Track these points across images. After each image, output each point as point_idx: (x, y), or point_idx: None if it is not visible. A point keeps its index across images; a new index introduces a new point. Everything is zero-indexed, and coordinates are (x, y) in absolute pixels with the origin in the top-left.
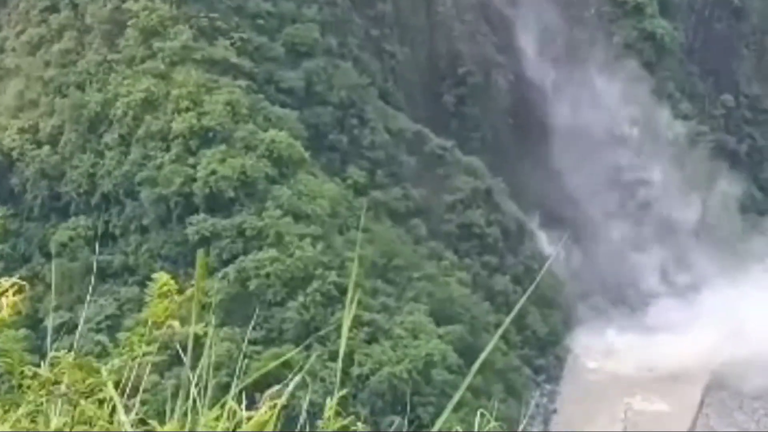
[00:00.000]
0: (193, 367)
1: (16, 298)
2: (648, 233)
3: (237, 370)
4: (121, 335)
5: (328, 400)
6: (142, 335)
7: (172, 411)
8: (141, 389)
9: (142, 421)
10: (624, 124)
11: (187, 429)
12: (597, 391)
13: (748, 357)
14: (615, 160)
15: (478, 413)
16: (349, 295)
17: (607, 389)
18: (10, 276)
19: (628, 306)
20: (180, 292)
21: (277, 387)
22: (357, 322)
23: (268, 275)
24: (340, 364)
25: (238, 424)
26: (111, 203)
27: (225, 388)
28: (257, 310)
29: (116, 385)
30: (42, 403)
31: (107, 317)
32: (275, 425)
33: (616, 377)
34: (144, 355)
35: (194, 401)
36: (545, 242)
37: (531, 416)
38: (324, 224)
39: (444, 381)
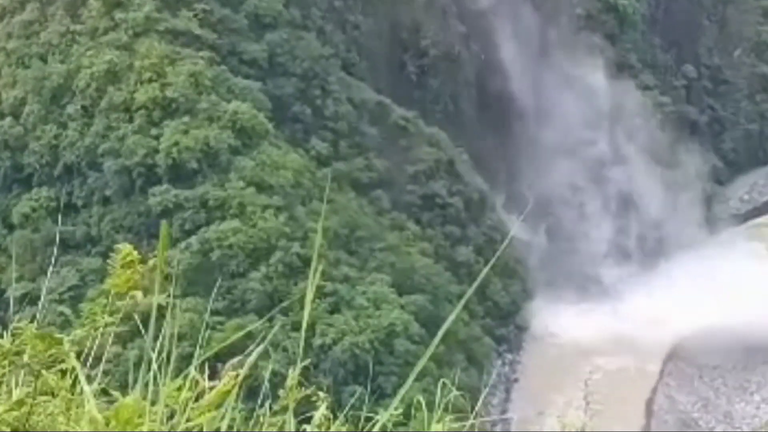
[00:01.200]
0: (156, 338)
1: None
2: (612, 205)
3: (199, 341)
4: (84, 306)
5: (291, 370)
6: (105, 306)
7: (135, 381)
8: (103, 360)
9: (105, 392)
10: (587, 96)
11: (149, 399)
12: (558, 361)
13: (708, 327)
14: (578, 135)
15: (440, 383)
16: (313, 265)
17: (568, 359)
18: None
19: (591, 278)
20: (143, 262)
21: (239, 357)
22: (319, 293)
23: (230, 246)
24: (303, 334)
25: (200, 395)
26: (74, 174)
27: (187, 359)
28: (220, 280)
29: (78, 355)
30: (4, 374)
31: (70, 288)
32: (237, 395)
33: (577, 347)
34: (106, 325)
35: (156, 372)
36: (512, 222)
37: (493, 385)
38: (287, 195)
39: (406, 351)
